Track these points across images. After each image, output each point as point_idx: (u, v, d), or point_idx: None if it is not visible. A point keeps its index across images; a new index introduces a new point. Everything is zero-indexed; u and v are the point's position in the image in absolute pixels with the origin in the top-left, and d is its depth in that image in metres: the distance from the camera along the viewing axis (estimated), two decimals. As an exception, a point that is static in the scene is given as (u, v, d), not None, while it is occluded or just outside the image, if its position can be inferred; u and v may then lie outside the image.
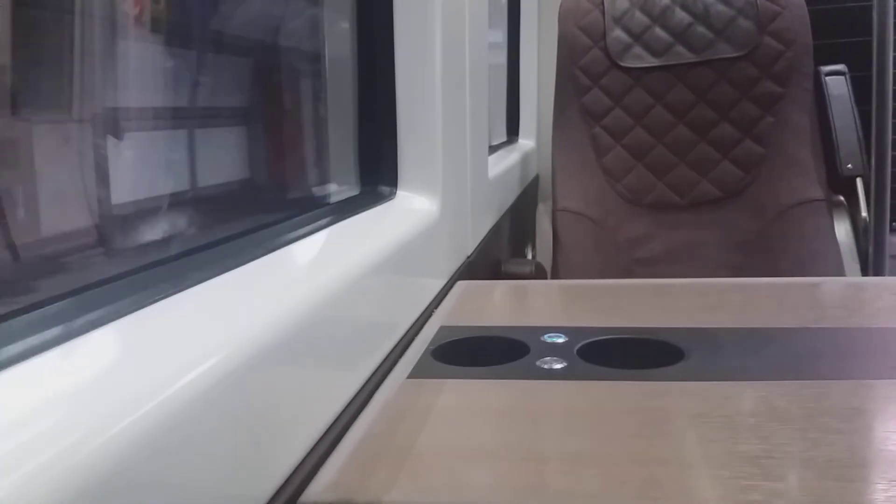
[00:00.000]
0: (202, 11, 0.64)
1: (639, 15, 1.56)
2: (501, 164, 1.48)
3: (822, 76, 1.60)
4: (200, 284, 0.44)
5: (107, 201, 0.50)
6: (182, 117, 0.61)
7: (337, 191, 0.83)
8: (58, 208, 0.46)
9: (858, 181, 1.57)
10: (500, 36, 1.93)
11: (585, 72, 1.56)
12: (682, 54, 1.53)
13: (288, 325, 0.44)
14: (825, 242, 1.46)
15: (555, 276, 1.50)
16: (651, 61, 1.54)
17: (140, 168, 0.55)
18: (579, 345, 0.64)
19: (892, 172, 1.45)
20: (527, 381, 0.58)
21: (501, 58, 1.94)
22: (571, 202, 1.53)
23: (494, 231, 1.26)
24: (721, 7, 1.53)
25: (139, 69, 0.55)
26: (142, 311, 0.38)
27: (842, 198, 1.60)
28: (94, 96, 0.50)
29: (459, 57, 0.95)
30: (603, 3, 1.58)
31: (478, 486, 0.42)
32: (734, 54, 1.51)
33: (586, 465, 0.44)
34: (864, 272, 1.50)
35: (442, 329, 0.71)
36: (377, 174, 0.85)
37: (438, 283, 0.84)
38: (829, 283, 0.95)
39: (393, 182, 0.85)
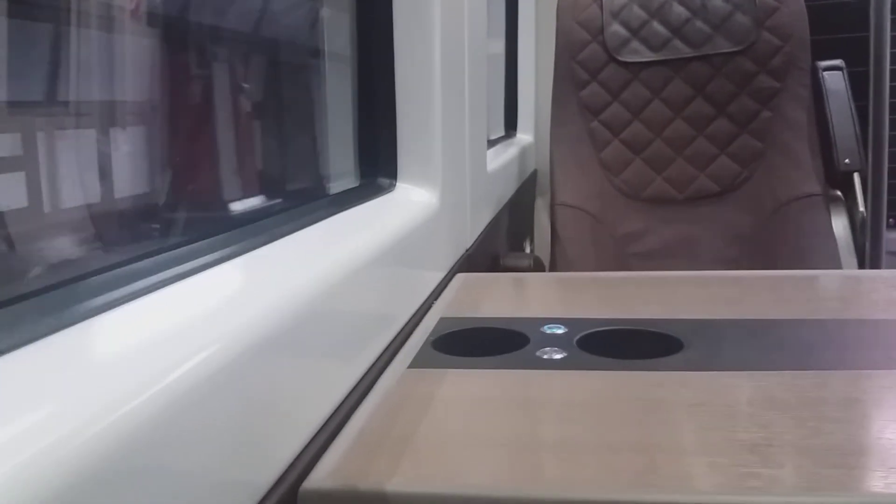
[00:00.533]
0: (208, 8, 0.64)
1: (637, 9, 1.56)
2: (500, 158, 1.49)
3: (820, 71, 1.61)
4: (201, 273, 0.44)
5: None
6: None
7: (336, 181, 0.83)
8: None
9: (855, 176, 1.57)
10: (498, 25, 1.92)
11: (584, 66, 1.56)
12: (680, 49, 1.53)
13: (288, 315, 0.44)
14: (822, 237, 1.46)
15: (553, 269, 1.50)
16: (649, 56, 1.54)
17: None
18: (579, 336, 0.65)
19: (889, 168, 1.45)
20: (526, 371, 0.58)
21: (499, 46, 1.94)
22: (569, 196, 1.53)
23: (493, 225, 1.26)
24: (719, 2, 1.53)
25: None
26: (142, 299, 0.38)
27: (839, 193, 1.60)
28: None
29: (458, 50, 0.95)
30: None
31: (477, 474, 0.43)
32: (732, 49, 1.51)
33: (585, 453, 0.44)
34: (861, 267, 1.51)
35: (442, 320, 0.71)
36: (377, 166, 0.85)
37: (438, 276, 0.85)
38: (826, 275, 0.95)
39: (392, 174, 0.85)
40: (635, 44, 1.55)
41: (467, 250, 1.02)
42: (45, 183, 0.44)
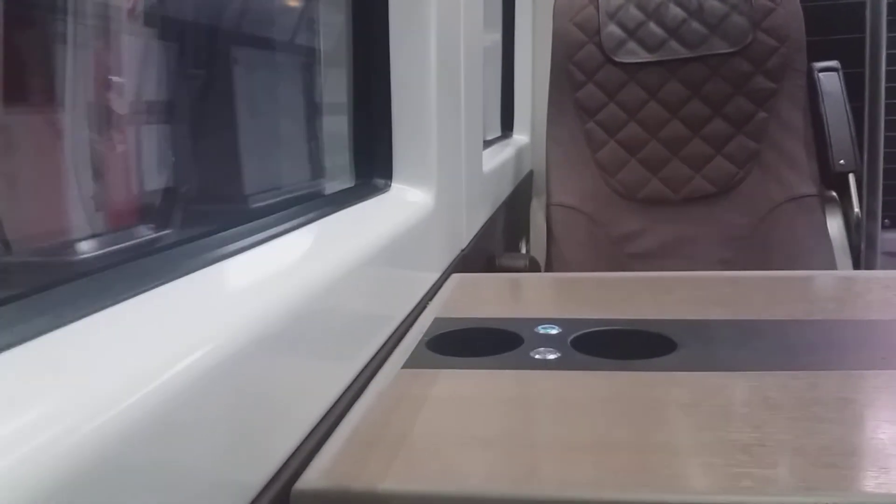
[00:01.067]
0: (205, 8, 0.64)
1: (633, 10, 1.56)
2: (496, 158, 1.49)
3: (816, 72, 1.61)
4: (196, 273, 0.44)
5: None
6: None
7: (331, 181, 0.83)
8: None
9: (851, 177, 1.57)
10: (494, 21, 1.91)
11: (580, 67, 1.56)
12: (676, 50, 1.53)
13: (282, 315, 0.44)
14: (817, 238, 1.46)
15: (548, 270, 1.51)
16: (645, 57, 1.55)
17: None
18: (573, 336, 0.65)
19: (884, 169, 1.45)
20: (521, 371, 0.58)
21: (494, 38, 1.93)
22: (565, 197, 1.53)
23: (489, 225, 1.26)
24: (715, 3, 1.53)
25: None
26: (136, 298, 0.38)
27: (834, 194, 1.60)
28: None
29: (454, 49, 0.95)
30: None
31: (471, 474, 0.43)
32: (728, 50, 1.51)
33: (579, 453, 0.44)
34: (856, 268, 1.51)
35: (436, 320, 0.71)
36: (372, 166, 0.85)
37: (433, 276, 0.85)
38: (820, 276, 0.96)
39: (388, 174, 0.85)
40: (631, 45, 1.55)
41: (463, 250, 1.02)
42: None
